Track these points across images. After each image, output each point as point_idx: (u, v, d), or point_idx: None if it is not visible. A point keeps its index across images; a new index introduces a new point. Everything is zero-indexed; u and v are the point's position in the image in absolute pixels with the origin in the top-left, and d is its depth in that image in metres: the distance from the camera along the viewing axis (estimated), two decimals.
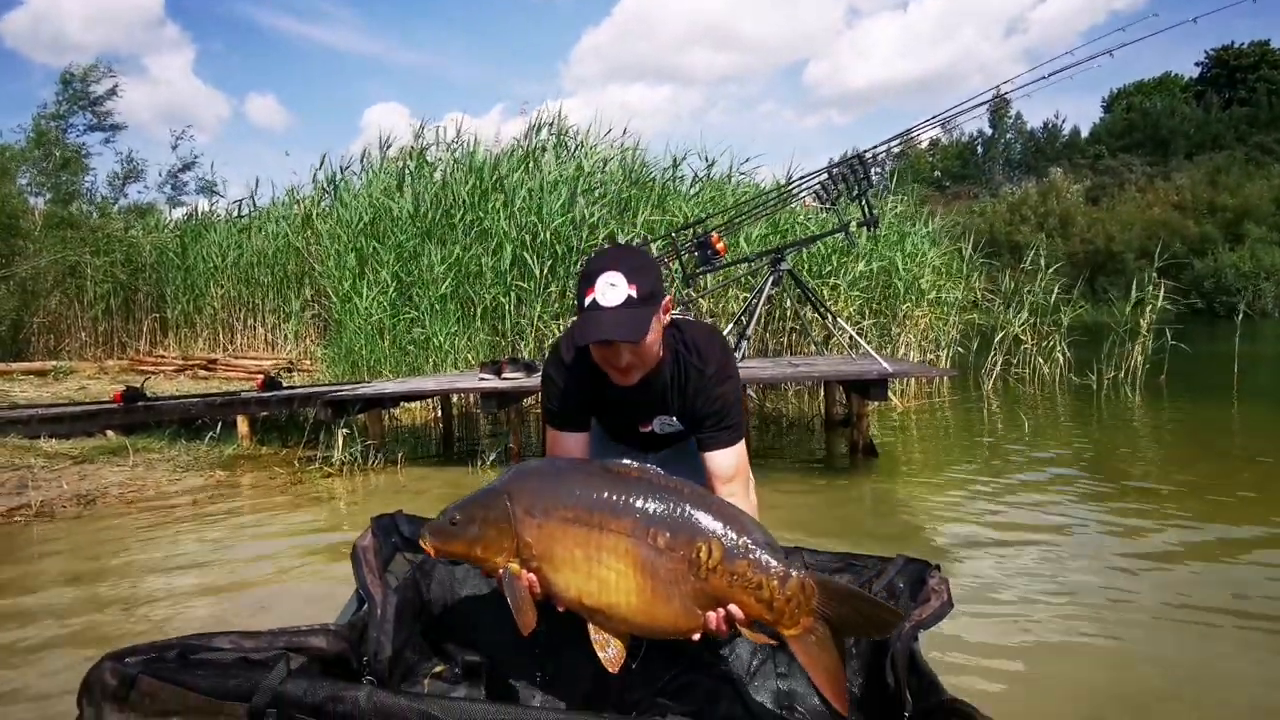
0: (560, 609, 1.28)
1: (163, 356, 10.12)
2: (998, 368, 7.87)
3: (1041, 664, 1.98)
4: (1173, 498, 3.59)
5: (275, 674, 0.99)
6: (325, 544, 3.14)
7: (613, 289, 1.46)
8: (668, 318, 1.61)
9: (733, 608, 1.21)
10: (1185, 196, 33.42)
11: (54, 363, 9.71)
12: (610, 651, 1.24)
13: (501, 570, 1.28)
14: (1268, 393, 7.31)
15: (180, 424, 5.60)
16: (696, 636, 1.24)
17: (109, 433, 5.27)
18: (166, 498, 3.90)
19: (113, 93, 15.00)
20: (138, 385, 6.00)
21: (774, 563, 1.20)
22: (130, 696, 0.98)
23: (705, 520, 1.22)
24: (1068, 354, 7.99)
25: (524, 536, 1.26)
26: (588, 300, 1.47)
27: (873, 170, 4.95)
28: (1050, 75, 4.26)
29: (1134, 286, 8.06)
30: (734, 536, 1.21)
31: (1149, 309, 7.75)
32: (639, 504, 1.22)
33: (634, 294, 1.45)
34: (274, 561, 2.95)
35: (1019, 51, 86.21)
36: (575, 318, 1.54)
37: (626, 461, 1.32)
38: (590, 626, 1.26)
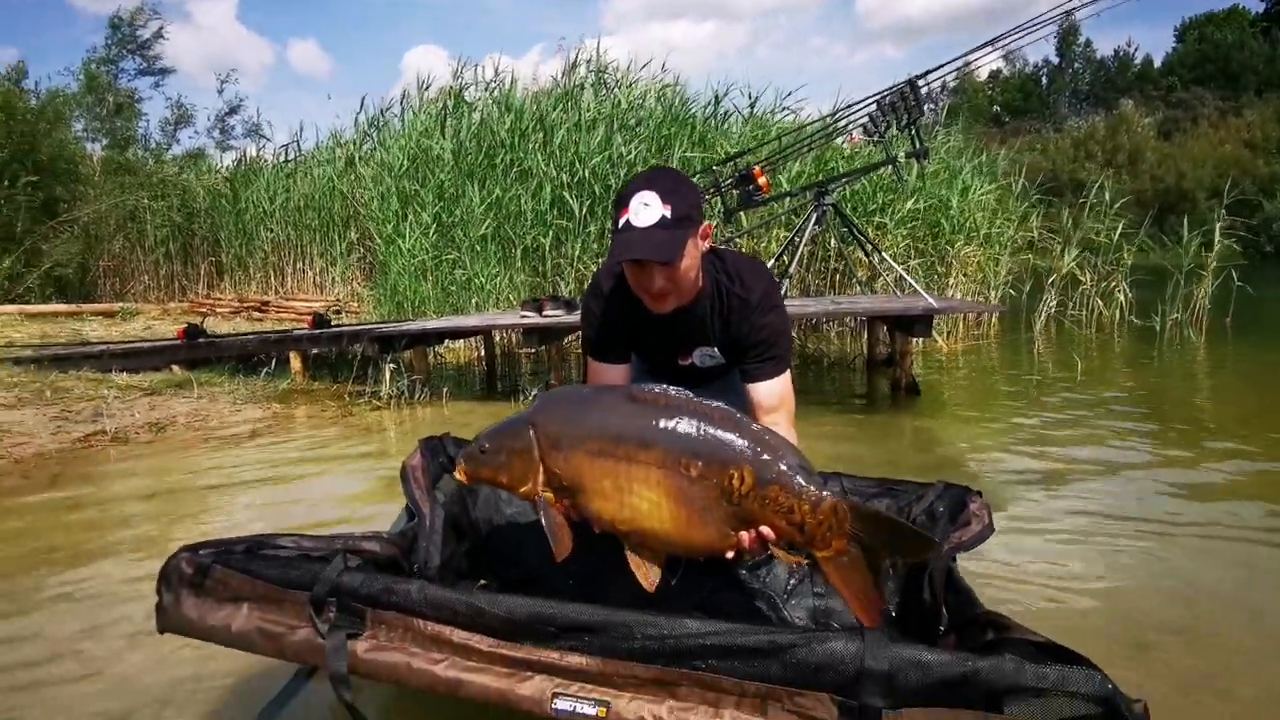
0: (597, 531, 1.29)
1: (219, 299, 10.51)
2: (1051, 309, 7.55)
3: (1082, 589, 1.97)
4: (1225, 434, 3.48)
5: (333, 567, 1.05)
6: (375, 469, 3.28)
7: (646, 209, 1.42)
8: (706, 244, 1.56)
9: (765, 529, 1.21)
10: (1255, 134, 31.03)
11: (121, 304, 10.18)
12: (647, 572, 1.26)
13: (537, 496, 1.29)
14: None
15: (238, 360, 5.87)
16: (730, 555, 1.25)
17: (174, 367, 5.55)
18: (229, 426, 4.11)
19: (159, 35, 15.27)
20: (198, 324, 6.26)
21: (806, 486, 1.19)
22: (205, 583, 1.06)
23: (737, 445, 1.19)
24: (1129, 295, 7.62)
25: (551, 468, 1.26)
26: (621, 221, 1.45)
27: (925, 103, 4.70)
28: None
29: (1192, 226, 7.59)
30: (766, 461, 1.19)
31: (1214, 250, 7.31)
32: (667, 432, 1.20)
33: (668, 214, 1.42)
34: (328, 483, 3.11)
35: None
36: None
37: (652, 386, 1.28)
38: (627, 549, 1.27)
